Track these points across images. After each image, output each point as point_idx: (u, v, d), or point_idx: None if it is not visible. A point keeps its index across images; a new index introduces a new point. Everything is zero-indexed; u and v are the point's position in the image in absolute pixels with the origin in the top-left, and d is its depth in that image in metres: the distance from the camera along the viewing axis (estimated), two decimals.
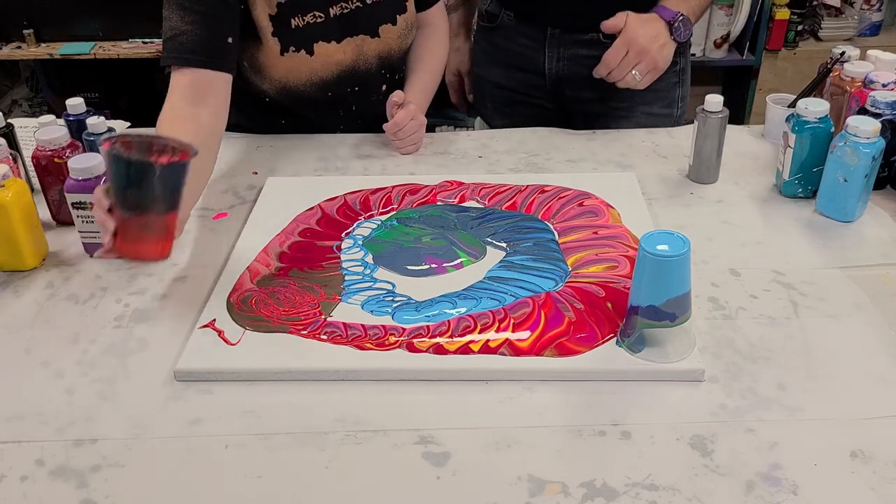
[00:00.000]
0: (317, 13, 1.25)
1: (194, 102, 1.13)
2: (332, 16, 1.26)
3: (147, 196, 0.84)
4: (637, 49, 1.25)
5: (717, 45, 2.54)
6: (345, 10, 1.27)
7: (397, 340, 0.87)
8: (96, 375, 0.86)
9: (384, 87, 1.38)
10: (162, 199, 0.85)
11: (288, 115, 1.37)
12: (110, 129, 1.16)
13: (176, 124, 1.09)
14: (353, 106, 1.37)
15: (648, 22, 1.28)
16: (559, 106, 1.50)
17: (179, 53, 1.15)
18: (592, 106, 1.46)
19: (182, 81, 1.14)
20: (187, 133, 1.00)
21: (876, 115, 1.08)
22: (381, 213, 1.13)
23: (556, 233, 1.07)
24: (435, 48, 1.44)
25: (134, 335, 0.92)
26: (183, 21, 1.14)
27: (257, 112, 1.36)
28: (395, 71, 1.39)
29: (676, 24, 1.29)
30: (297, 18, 1.24)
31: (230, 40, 1.18)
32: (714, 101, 1.14)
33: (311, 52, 1.26)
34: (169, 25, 1.15)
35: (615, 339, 0.87)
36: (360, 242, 1.06)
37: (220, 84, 1.17)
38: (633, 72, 1.27)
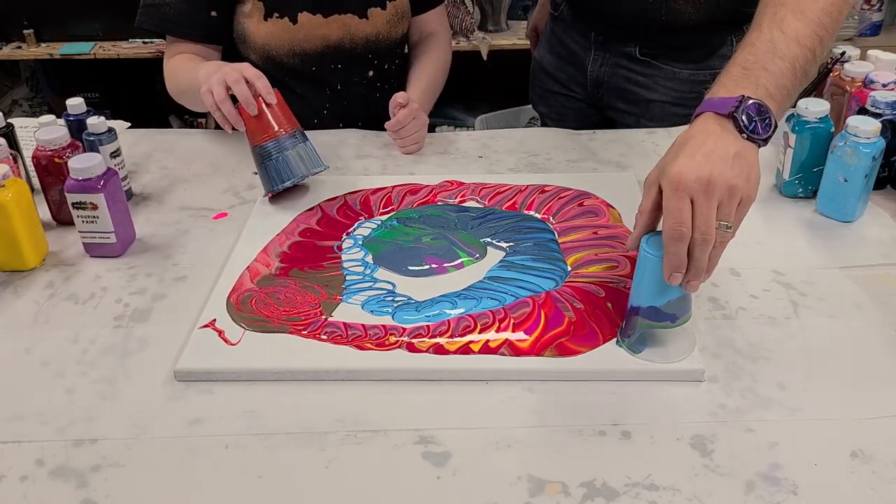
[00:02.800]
0: None
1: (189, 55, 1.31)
2: None
3: None
4: (692, 190, 0.75)
5: None
6: None
7: (397, 340, 0.87)
8: (96, 375, 0.86)
9: (371, 73, 1.39)
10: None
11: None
12: (110, 130, 1.16)
13: (191, 59, 1.29)
14: (338, 85, 1.39)
15: (693, 141, 0.78)
16: (597, 109, 1.51)
17: (161, 21, 1.30)
18: (625, 118, 1.46)
19: (177, 48, 1.31)
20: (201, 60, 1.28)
21: (876, 115, 1.08)
22: (382, 213, 1.13)
23: (556, 233, 1.07)
24: (437, 54, 1.46)
25: (134, 335, 0.92)
26: None
27: None
28: (384, 59, 1.40)
29: (740, 116, 0.78)
30: None
31: (214, 14, 1.29)
32: None
33: (294, 21, 1.30)
34: None
35: (615, 339, 0.87)
36: (361, 242, 1.06)
37: (208, 56, 1.32)
38: (716, 224, 0.76)
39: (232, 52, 1.36)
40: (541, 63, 1.57)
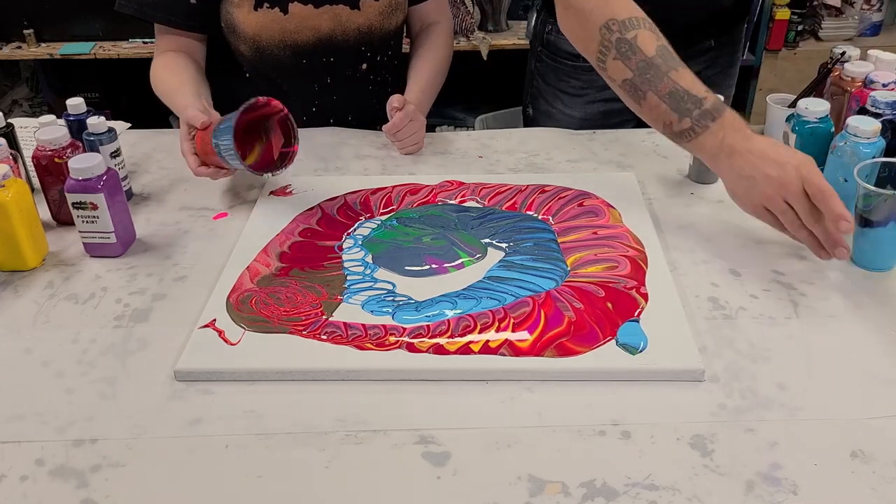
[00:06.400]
0: None
1: (172, 55, 1.31)
2: None
3: None
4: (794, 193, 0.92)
5: None
6: None
7: (397, 340, 0.87)
8: (96, 375, 0.86)
9: (364, 66, 1.38)
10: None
11: (266, 91, 1.37)
12: (110, 130, 1.16)
13: (171, 64, 1.29)
14: (328, 78, 1.37)
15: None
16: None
17: (140, 5, 1.28)
18: None
19: (162, 42, 1.31)
20: (179, 66, 1.28)
21: (876, 115, 1.08)
22: (382, 214, 1.13)
23: (555, 233, 1.06)
24: (438, 46, 1.43)
25: (134, 335, 0.92)
26: None
27: (234, 90, 1.37)
28: (377, 52, 1.38)
29: None
30: None
31: (193, 1, 1.27)
32: None
33: (285, 11, 1.29)
34: None
35: (615, 339, 0.87)
36: (360, 242, 1.06)
37: (191, 46, 1.32)
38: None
39: (222, 42, 1.35)
40: (582, 117, 1.48)
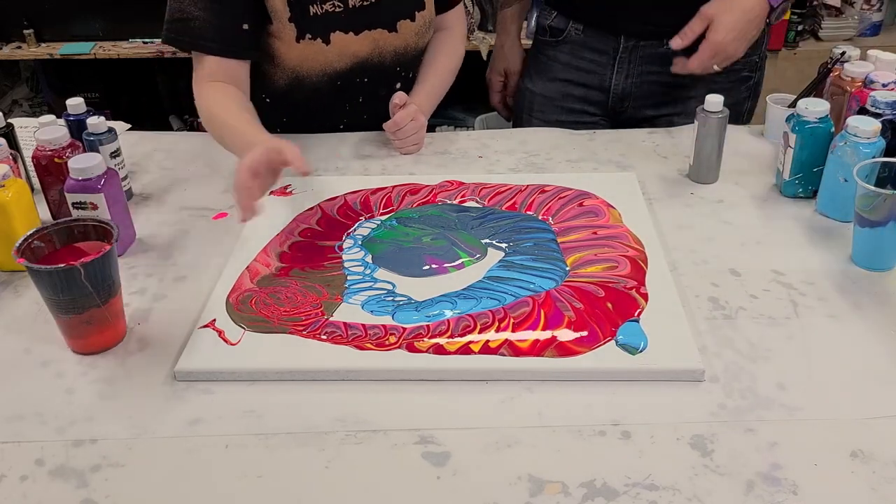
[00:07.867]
0: (335, 2, 1.25)
1: (221, 88, 1.20)
2: (350, 6, 1.26)
3: (80, 296, 0.84)
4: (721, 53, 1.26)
5: None
6: (364, 3, 1.27)
7: (397, 340, 0.87)
8: (96, 375, 0.86)
9: (398, 85, 1.37)
10: (97, 294, 0.85)
11: (290, 115, 1.37)
12: (110, 130, 1.16)
13: (225, 100, 1.19)
14: (361, 97, 1.36)
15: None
16: (614, 122, 1.48)
17: (193, 38, 1.19)
18: (658, 122, 1.44)
19: (206, 67, 1.21)
20: (234, 102, 1.18)
21: (876, 115, 1.08)
22: (382, 214, 1.13)
23: (555, 233, 1.06)
24: (449, 51, 1.43)
25: (134, 335, 0.92)
26: (195, 6, 1.15)
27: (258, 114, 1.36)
28: (409, 69, 1.38)
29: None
30: (315, 6, 1.24)
31: (245, 27, 1.21)
32: (714, 101, 1.14)
33: (327, 42, 1.26)
34: (178, 7, 1.18)
35: (615, 339, 0.87)
36: (360, 242, 1.06)
37: (239, 71, 1.23)
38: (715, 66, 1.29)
39: (254, 68, 1.28)
40: (540, 93, 1.52)
